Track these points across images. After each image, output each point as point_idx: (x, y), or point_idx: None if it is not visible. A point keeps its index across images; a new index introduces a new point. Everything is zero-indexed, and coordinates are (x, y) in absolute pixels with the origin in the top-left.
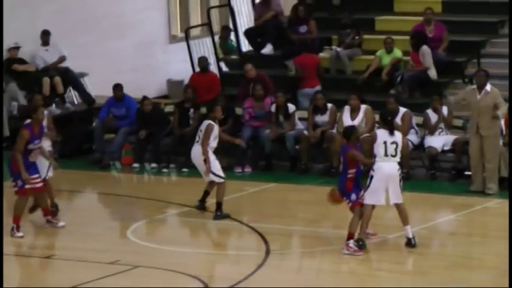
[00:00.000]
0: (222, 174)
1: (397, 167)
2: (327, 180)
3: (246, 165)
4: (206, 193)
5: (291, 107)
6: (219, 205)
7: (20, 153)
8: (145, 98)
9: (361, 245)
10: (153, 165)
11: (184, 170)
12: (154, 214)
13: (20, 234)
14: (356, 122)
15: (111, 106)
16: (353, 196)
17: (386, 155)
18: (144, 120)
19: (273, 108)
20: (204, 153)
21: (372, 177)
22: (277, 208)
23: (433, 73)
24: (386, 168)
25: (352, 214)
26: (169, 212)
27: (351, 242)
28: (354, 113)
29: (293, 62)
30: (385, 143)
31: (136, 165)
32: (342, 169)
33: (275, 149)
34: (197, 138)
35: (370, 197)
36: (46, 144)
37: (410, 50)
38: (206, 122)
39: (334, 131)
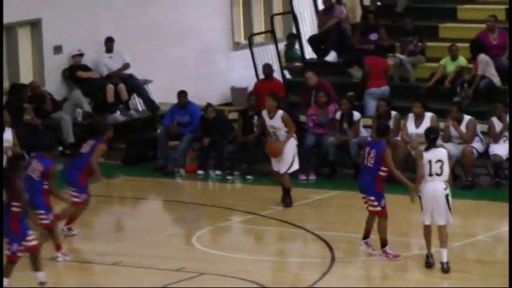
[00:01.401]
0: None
1: (443, 186)
2: (390, 187)
3: (310, 172)
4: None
5: (356, 115)
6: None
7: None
8: (209, 105)
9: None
10: (217, 172)
11: (249, 177)
12: (218, 221)
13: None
14: (420, 130)
15: (175, 113)
16: (383, 202)
17: (430, 174)
18: (208, 127)
19: (338, 115)
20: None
21: (420, 197)
22: (341, 215)
23: (496, 80)
24: (431, 189)
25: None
26: (233, 219)
27: (387, 248)
28: (418, 120)
29: (363, 64)
30: (429, 162)
31: (200, 172)
32: (374, 165)
33: (339, 157)
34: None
35: (422, 216)
36: None
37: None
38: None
39: (398, 138)
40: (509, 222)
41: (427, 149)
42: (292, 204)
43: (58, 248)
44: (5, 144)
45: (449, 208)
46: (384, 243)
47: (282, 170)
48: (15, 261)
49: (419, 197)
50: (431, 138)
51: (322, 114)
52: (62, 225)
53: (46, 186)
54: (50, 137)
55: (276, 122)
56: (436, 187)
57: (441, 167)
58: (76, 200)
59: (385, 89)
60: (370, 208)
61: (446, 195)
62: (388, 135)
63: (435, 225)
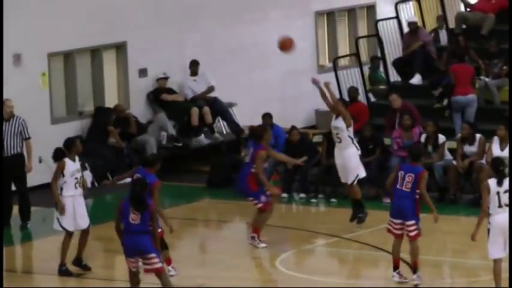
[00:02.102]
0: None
1: None
2: (476, 211)
3: None
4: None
5: (441, 138)
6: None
7: (259, 173)
8: (293, 127)
9: None
10: (301, 195)
11: (333, 200)
12: (302, 244)
13: (263, 245)
14: (505, 153)
15: None
16: (420, 225)
17: (500, 205)
18: (293, 149)
19: (423, 138)
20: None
21: (488, 230)
22: (426, 238)
23: None
24: (501, 220)
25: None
26: (317, 242)
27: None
28: (503, 143)
29: (448, 72)
30: (497, 193)
31: (284, 195)
32: (412, 189)
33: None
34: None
35: (491, 249)
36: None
37: None
38: None
39: (483, 161)
40: (510, 224)
41: (498, 182)
42: (365, 218)
43: (168, 262)
44: (76, 174)
45: None
46: (416, 267)
47: (350, 180)
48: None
49: (488, 230)
50: (501, 170)
51: (407, 136)
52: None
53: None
54: (153, 153)
55: (339, 122)
56: (506, 217)
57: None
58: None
59: (472, 97)
60: (410, 234)
61: None
62: (422, 159)
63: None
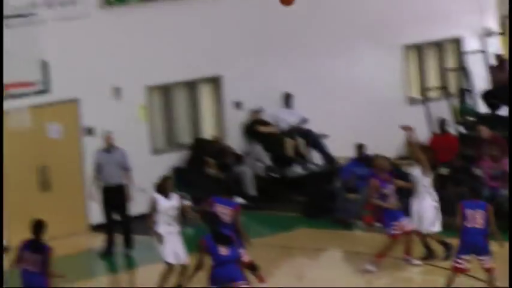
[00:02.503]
0: None
1: None
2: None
3: None
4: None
5: None
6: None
7: (371, 199)
8: (379, 155)
9: None
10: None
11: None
12: (397, 272)
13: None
14: None
15: (354, 166)
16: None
17: None
18: None
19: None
20: None
21: None
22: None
23: None
24: None
25: None
26: (412, 270)
27: None
28: None
29: None
30: None
31: (378, 224)
32: (484, 225)
33: None
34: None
35: None
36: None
37: None
38: None
39: None
40: (509, 226)
41: None
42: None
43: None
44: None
45: None
46: None
47: (422, 230)
48: None
49: None
50: None
51: (496, 167)
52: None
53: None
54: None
55: (415, 170)
56: None
57: None
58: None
59: None
60: (485, 267)
61: None
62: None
63: None
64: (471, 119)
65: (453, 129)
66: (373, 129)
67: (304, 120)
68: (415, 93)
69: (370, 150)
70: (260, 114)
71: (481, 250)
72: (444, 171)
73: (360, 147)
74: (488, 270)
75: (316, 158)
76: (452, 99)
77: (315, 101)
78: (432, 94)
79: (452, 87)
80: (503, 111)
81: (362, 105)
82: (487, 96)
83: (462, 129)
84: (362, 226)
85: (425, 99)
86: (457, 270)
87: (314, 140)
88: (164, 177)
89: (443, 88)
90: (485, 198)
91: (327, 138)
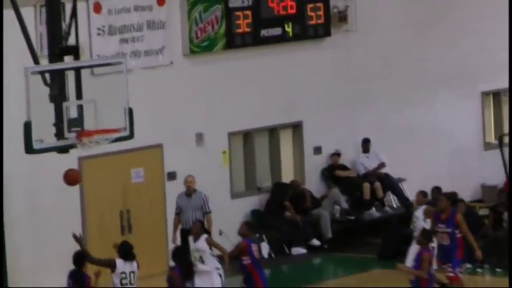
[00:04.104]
0: None
1: None
2: None
3: None
4: None
5: None
6: None
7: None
8: (460, 200)
9: None
10: (468, 265)
11: (498, 270)
12: None
13: None
14: None
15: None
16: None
17: None
18: None
19: None
20: None
21: None
22: None
23: None
24: None
25: None
26: None
27: None
28: None
29: None
30: None
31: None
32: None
33: None
34: None
35: None
36: None
37: None
38: None
39: None
40: (509, 229)
41: None
42: None
43: None
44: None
45: None
46: None
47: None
48: None
49: None
50: None
51: None
52: None
53: None
54: None
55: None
56: None
57: None
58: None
59: None
60: None
61: None
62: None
63: None
64: None
65: None
66: (451, 174)
67: (382, 165)
68: (492, 139)
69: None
70: (338, 159)
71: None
72: None
73: (436, 189)
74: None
75: (394, 201)
76: None
77: (393, 146)
78: (508, 139)
79: None
80: None
81: (440, 150)
82: None
83: None
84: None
85: (501, 144)
86: None
87: (391, 184)
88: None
89: None
90: None
91: (404, 182)
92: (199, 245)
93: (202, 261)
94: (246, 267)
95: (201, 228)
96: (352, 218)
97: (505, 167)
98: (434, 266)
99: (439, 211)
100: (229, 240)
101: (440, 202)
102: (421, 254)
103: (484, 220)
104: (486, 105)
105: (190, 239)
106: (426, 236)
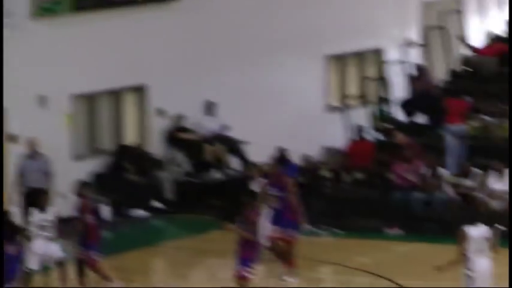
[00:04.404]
0: None
1: None
2: None
3: (397, 226)
4: None
5: (442, 171)
6: None
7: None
8: (307, 156)
9: None
10: (306, 226)
11: (337, 231)
12: (307, 272)
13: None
14: (503, 186)
15: None
16: None
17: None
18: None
19: (424, 171)
20: None
21: None
22: (427, 268)
23: None
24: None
25: None
26: (322, 271)
27: None
28: (500, 177)
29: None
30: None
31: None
32: None
33: (425, 211)
34: None
35: None
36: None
37: None
38: None
39: (482, 195)
40: (509, 225)
41: None
42: None
43: None
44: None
45: None
46: None
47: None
48: None
49: None
50: None
51: (408, 170)
52: None
53: None
54: None
55: None
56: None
57: None
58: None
59: (463, 127)
60: None
61: None
62: None
63: None
64: (388, 126)
65: (371, 135)
66: (294, 136)
67: (225, 128)
68: (336, 102)
69: (294, 153)
70: (182, 122)
71: None
72: (359, 175)
73: (282, 151)
74: None
75: (236, 163)
76: (371, 107)
77: (236, 109)
78: (352, 102)
79: (372, 96)
80: (420, 118)
81: (283, 113)
82: (405, 105)
83: (379, 136)
84: None
85: (344, 107)
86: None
87: (234, 147)
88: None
89: (363, 97)
90: (398, 201)
91: (247, 144)
92: (45, 216)
93: (45, 229)
94: (87, 226)
95: (47, 199)
96: (194, 180)
97: (348, 130)
98: (268, 227)
99: (269, 173)
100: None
101: (270, 165)
102: (248, 216)
103: (325, 181)
104: (330, 68)
105: (35, 209)
106: (256, 197)
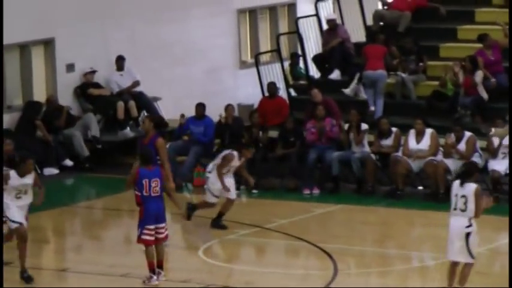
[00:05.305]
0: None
1: (466, 223)
2: (392, 202)
3: (314, 187)
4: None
5: (364, 126)
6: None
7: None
8: (229, 105)
9: None
10: None
11: (254, 191)
12: (225, 234)
13: None
14: (421, 146)
15: (191, 123)
16: None
17: (455, 208)
18: (225, 130)
19: (346, 126)
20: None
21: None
22: (344, 229)
23: (485, 97)
24: (452, 224)
25: None
26: (239, 232)
27: None
28: (418, 136)
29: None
30: (456, 195)
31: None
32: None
33: (342, 171)
34: None
35: (447, 250)
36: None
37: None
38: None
39: (399, 154)
40: (509, 223)
41: (460, 184)
42: None
43: None
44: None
45: (468, 248)
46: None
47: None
48: None
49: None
50: (462, 173)
51: (320, 126)
52: None
53: None
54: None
55: None
56: (457, 222)
57: (465, 203)
58: None
59: (381, 73)
60: (163, 235)
61: (468, 234)
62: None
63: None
64: (303, 82)
65: (284, 92)
66: (206, 93)
67: (137, 83)
68: (248, 57)
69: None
70: (92, 77)
71: (162, 217)
72: (274, 133)
73: (200, 105)
74: (163, 239)
75: None
76: (284, 63)
77: (148, 64)
78: (265, 58)
79: (285, 51)
80: (334, 75)
81: (195, 69)
82: (319, 61)
83: (293, 93)
84: (191, 189)
85: (257, 63)
86: (144, 242)
87: (146, 103)
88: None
89: (276, 52)
90: (313, 160)
91: (159, 101)
92: (26, 180)
93: (26, 193)
94: None
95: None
96: (106, 138)
97: (261, 86)
98: None
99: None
100: None
101: (143, 124)
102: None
103: None
104: (242, 23)
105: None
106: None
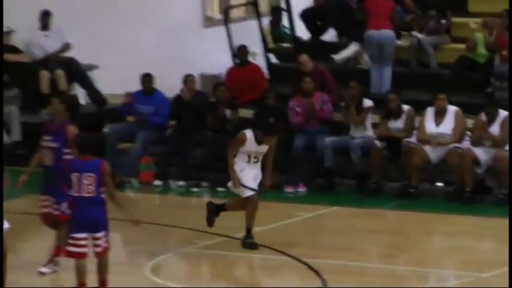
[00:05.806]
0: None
1: None
2: (404, 204)
3: (300, 183)
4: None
5: (367, 102)
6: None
7: None
8: (188, 75)
9: None
10: (180, 183)
11: (220, 189)
12: (181, 246)
13: None
14: (442, 129)
15: (138, 101)
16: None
17: None
18: (184, 109)
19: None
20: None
21: None
22: (340, 239)
23: None
24: None
25: None
26: (200, 243)
27: None
28: (439, 117)
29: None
30: None
31: (158, 182)
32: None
33: (337, 162)
34: None
35: None
36: None
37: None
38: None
39: (413, 140)
40: (509, 221)
41: None
42: None
43: None
44: None
45: None
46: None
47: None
48: None
49: None
50: None
51: (306, 103)
52: None
53: None
54: None
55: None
56: None
57: None
58: None
59: (387, 32)
60: (102, 247)
61: None
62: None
63: None
64: (287, 45)
65: (263, 59)
66: (161, 60)
67: (67, 47)
68: (216, 13)
69: (158, 86)
70: (9, 38)
71: (98, 225)
72: (248, 113)
73: (146, 77)
74: (102, 253)
75: (82, 96)
76: (263, 20)
77: (84, 23)
78: (237, 13)
79: (264, 4)
80: (329, 35)
81: (147, 30)
82: (309, 17)
83: (274, 59)
84: (137, 185)
85: (226, 20)
86: (72, 256)
87: (79, 73)
88: None
89: (252, 5)
90: (300, 149)
91: (96, 70)
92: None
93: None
94: None
95: None
96: (25, 119)
97: (232, 51)
98: None
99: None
100: None
101: (51, 105)
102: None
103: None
104: None
105: None
106: None
